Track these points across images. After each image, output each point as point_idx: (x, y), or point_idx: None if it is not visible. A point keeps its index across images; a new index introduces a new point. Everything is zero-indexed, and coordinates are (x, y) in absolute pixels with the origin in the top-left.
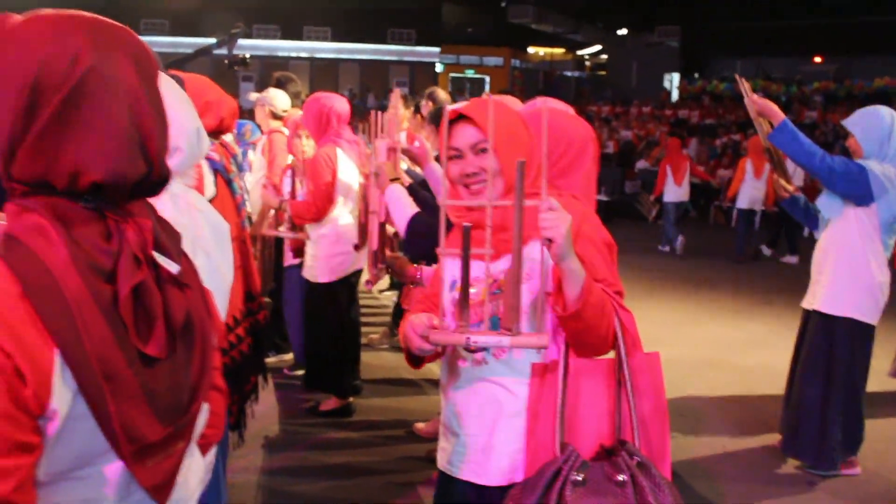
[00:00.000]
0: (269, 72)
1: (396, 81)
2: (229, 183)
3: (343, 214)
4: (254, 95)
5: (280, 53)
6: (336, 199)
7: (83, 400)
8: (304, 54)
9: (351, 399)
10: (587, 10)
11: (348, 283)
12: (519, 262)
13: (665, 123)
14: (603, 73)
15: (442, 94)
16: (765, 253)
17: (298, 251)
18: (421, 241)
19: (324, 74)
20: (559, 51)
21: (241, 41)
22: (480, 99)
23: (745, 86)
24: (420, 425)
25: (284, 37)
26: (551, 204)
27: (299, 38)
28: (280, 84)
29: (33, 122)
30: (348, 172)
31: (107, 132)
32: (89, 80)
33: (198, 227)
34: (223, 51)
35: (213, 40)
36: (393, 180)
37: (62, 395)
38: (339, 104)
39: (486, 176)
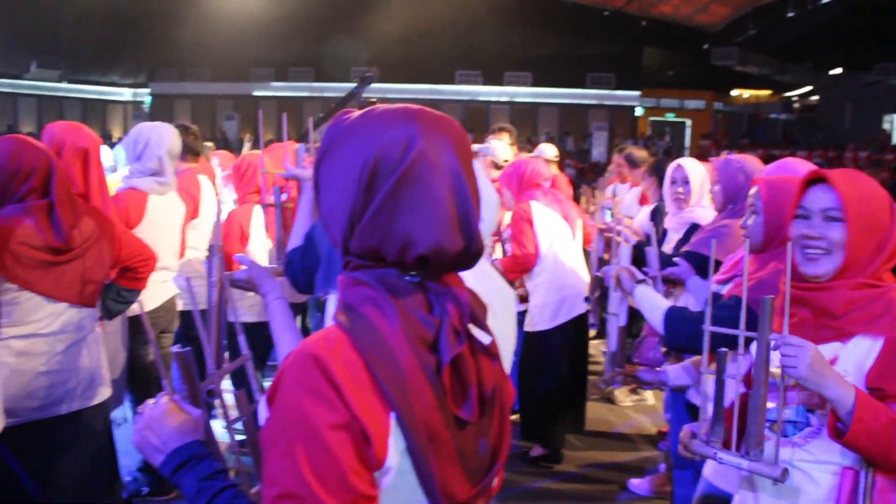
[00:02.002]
0: (471, 116)
1: (596, 125)
2: None
3: (554, 260)
4: (475, 147)
5: (481, 98)
6: (539, 252)
7: (409, 458)
8: (504, 98)
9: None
10: (795, 51)
11: (567, 329)
12: (763, 387)
13: (886, 169)
14: (813, 115)
15: (638, 151)
16: None
17: (522, 298)
18: (682, 326)
19: (523, 118)
20: (765, 93)
21: (449, 86)
22: (849, 170)
23: None
24: (635, 481)
25: (486, 82)
26: (787, 339)
27: (500, 83)
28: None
29: (372, 200)
30: (548, 224)
31: (433, 209)
32: (419, 162)
33: (490, 293)
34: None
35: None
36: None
37: (395, 453)
38: (537, 166)
39: (826, 244)
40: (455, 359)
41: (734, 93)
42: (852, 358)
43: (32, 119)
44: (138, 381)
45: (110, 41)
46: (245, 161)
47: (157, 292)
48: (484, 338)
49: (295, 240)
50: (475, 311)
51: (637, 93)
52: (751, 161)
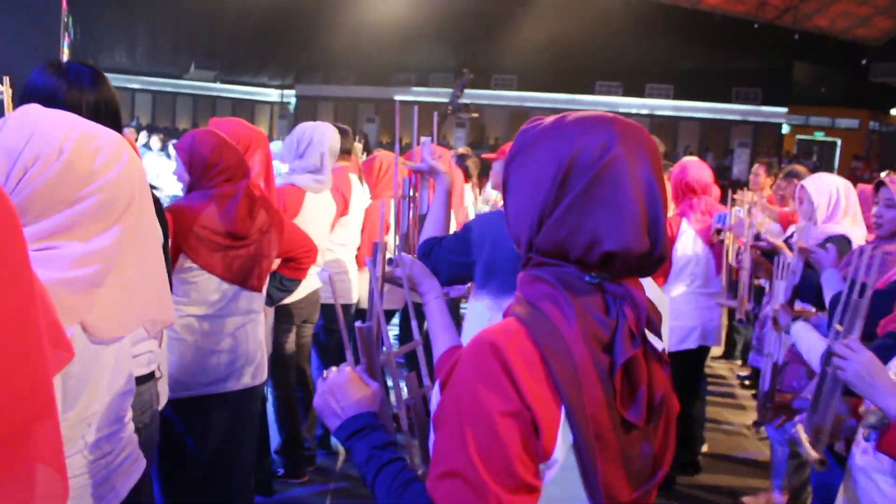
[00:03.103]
0: None
1: (738, 142)
2: None
3: (677, 287)
4: None
5: (621, 110)
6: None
7: (575, 454)
8: (644, 111)
9: None
10: None
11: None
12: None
13: None
14: None
15: (800, 168)
16: None
17: None
18: None
19: (663, 132)
20: None
21: (588, 97)
22: None
23: None
24: (747, 499)
25: (626, 94)
26: (846, 343)
27: (641, 95)
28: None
29: (564, 197)
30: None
31: (624, 209)
32: (614, 164)
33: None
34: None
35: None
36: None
37: (562, 447)
38: (697, 172)
39: None
40: (628, 362)
41: (893, 112)
42: None
43: (188, 117)
44: (279, 366)
45: (262, 45)
46: (378, 158)
47: (301, 284)
48: (658, 344)
49: (429, 230)
50: (651, 317)
51: (784, 109)
52: None
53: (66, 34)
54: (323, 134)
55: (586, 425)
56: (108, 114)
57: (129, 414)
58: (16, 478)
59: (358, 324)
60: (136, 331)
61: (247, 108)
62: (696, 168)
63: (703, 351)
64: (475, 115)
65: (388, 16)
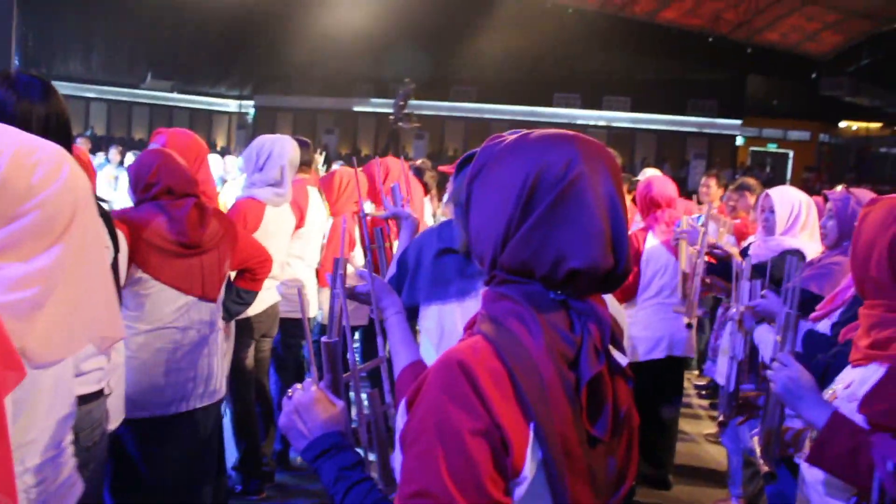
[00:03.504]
0: None
1: (694, 153)
2: None
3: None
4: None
5: (579, 122)
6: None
7: (544, 470)
8: (601, 122)
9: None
10: None
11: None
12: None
13: None
14: None
15: (750, 180)
16: None
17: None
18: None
19: (620, 144)
20: (875, 125)
21: (547, 109)
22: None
23: None
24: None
25: (584, 106)
26: (778, 357)
27: (598, 107)
28: None
29: (529, 215)
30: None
31: (588, 227)
32: (578, 181)
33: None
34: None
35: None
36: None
37: (531, 464)
38: (661, 186)
39: None
40: (593, 378)
41: (842, 124)
42: (864, 384)
43: (144, 127)
44: (237, 381)
45: (220, 55)
46: (338, 174)
47: (261, 298)
48: (622, 359)
49: (392, 269)
50: (615, 333)
51: (738, 121)
52: (867, 197)
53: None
54: (283, 147)
55: (555, 442)
56: (58, 127)
57: (70, 437)
58: None
59: (324, 339)
60: (80, 351)
61: (204, 119)
62: (660, 183)
63: (673, 361)
64: (417, 124)
65: (348, 27)
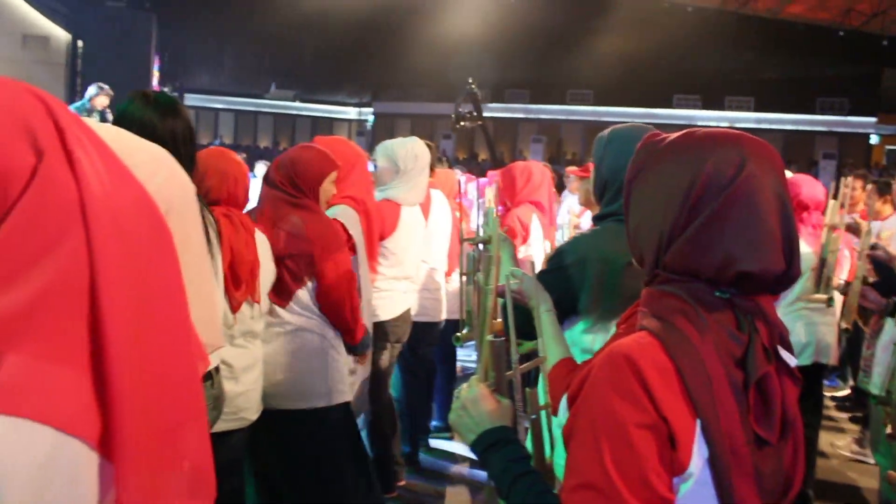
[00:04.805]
0: None
1: (824, 153)
2: None
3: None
4: None
5: (699, 123)
6: None
7: (710, 469)
8: (724, 124)
9: None
10: None
11: None
12: None
13: None
14: None
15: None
16: None
17: None
18: None
19: None
20: None
21: (666, 111)
22: None
23: None
24: None
25: (705, 107)
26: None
27: (720, 107)
28: None
29: (696, 217)
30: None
31: (759, 230)
32: (748, 183)
33: None
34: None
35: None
36: None
37: (697, 461)
38: (809, 189)
39: None
40: (761, 377)
41: None
42: None
43: (269, 135)
44: (373, 383)
45: (340, 64)
46: (517, 170)
47: (398, 302)
48: (790, 360)
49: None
50: (783, 333)
51: (873, 119)
52: None
53: (157, 57)
54: (417, 149)
55: (722, 440)
56: (185, 137)
57: None
58: (172, 474)
59: (490, 339)
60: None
61: (325, 126)
62: (809, 184)
63: (817, 369)
64: (479, 122)
65: (464, 33)
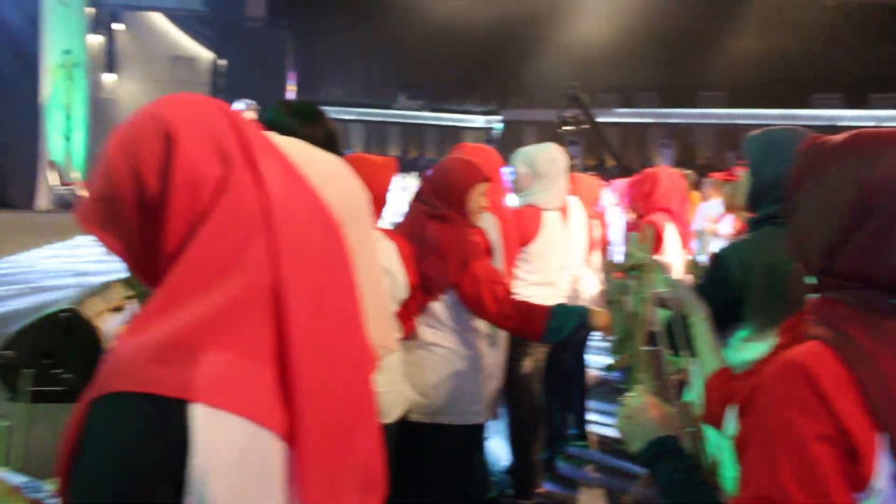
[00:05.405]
0: None
1: None
2: None
3: None
4: None
5: (842, 123)
6: None
7: (895, 487)
8: (870, 123)
9: None
10: None
11: None
12: None
13: None
14: None
15: None
16: None
17: None
18: None
19: None
20: None
21: (804, 111)
22: None
23: None
24: None
25: (847, 105)
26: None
27: (864, 106)
28: None
29: (867, 221)
30: None
31: None
32: None
33: None
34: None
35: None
36: None
37: (881, 478)
38: None
39: None
40: None
41: None
42: None
43: (398, 145)
44: (515, 388)
45: (467, 73)
46: (655, 175)
47: None
48: None
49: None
50: None
51: None
52: None
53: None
54: (555, 156)
55: None
56: (330, 145)
57: None
58: (347, 469)
59: (648, 348)
60: None
61: (452, 135)
62: None
63: None
64: (585, 125)
65: (589, 38)
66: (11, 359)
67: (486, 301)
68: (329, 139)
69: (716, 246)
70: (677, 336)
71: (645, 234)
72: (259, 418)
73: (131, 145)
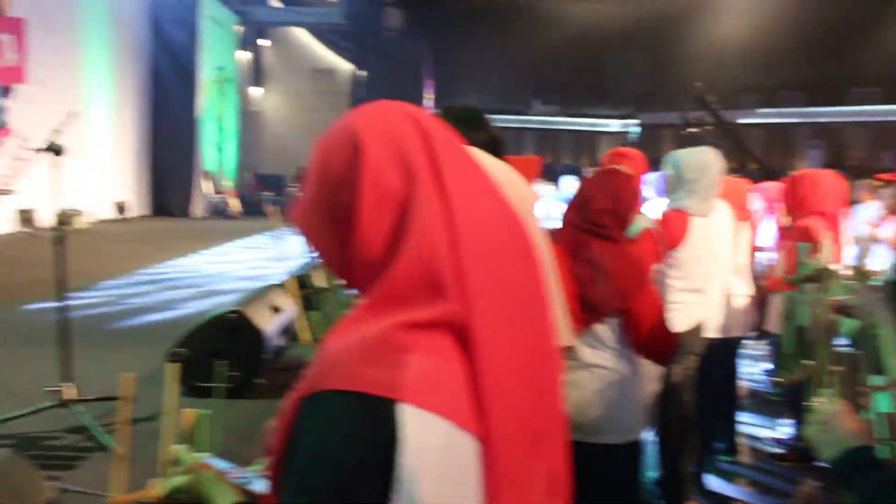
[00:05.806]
0: None
1: None
2: None
3: None
4: None
5: None
6: None
7: None
8: None
9: None
10: None
11: None
12: None
13: None
14: None
15: None
16: None
17: None
18: None
19: None
20: None
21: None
22: None
23: None
24: None
25: None
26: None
27: None
28: None
29: None
30: None
31: None
32: None
33: None
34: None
35: None
36: None
37: None
38: None
39: None
40: None
41: None
42: None
43: (533, 150)
44: (666, 397)
45: (601, 77)
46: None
47: (690, 314)
48: None
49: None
50: None
51: None
52: None
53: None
54: (705, 160)
55: None
56: (489, 150)
57: None
58: (534, 475)
59: (841, 352)
60: None
61: (588, 140)
62: None
63: None
64: (708, 126)
65: (730, 36)
66: (186, 356)
67: (654, 326)
68: (493, 144)
69: (876, 251)
70: (866, 345)
71: (820, 243)
72: (460, 420)
73: (328, 154)
